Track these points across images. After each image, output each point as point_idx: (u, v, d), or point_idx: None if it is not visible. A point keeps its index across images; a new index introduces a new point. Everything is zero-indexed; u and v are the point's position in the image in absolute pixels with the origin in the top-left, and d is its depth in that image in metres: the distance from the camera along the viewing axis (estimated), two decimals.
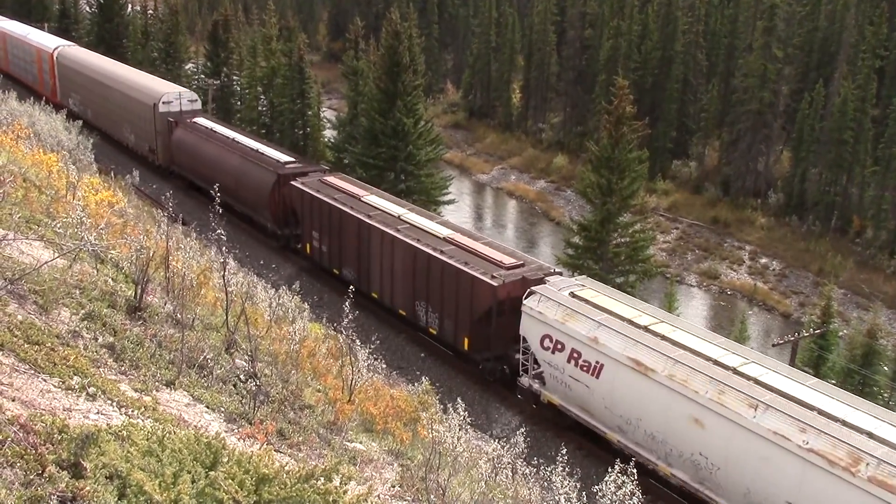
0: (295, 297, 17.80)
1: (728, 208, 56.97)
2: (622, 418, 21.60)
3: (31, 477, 5.32)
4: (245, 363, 11.63)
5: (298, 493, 6.08)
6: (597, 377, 22.06)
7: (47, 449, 5.62)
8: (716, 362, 20.21)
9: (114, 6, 71.94)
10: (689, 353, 20.68)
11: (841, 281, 47.16)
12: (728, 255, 52.71)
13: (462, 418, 10.71)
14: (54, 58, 57.03)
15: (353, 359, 14.48)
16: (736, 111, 59.26)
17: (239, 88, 63.09)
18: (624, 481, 9.36)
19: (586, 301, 23.45)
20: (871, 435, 17.33)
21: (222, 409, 9.54)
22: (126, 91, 48.79)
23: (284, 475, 6.26)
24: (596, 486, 9.56)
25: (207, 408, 9.41)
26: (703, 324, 43.86)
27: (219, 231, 11.83)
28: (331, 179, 35.24)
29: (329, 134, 55.21)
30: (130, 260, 12.50)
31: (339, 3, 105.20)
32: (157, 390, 9.03)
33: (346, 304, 14.56)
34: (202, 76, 67.25)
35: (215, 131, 42.49)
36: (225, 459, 6.29)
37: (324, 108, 62.21)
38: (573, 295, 23.84)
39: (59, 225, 11.97)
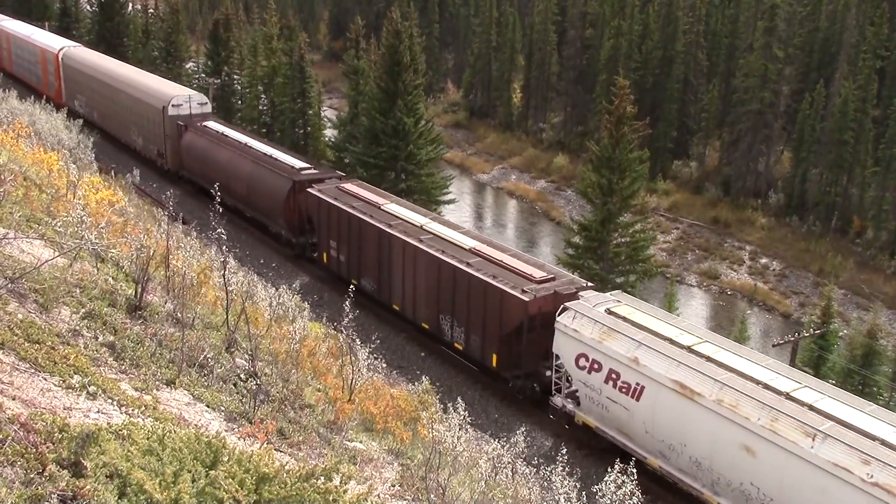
0: (295, 296, 17.80)
1: (728, 208, 56.97)
2: (664, 443, 20.50)
3: (32, 476, 5.33)
4: (245, 362, 11.63)
5: (299, 492, 6.08)
6: (637, 400, 20.92)
7: (48, 448, 5.63)
8: (766, 386, 19.06)
9: (114, 5, 71.91)
10: (737, 375, 19.55)
11: (841, 281, 47.17)
12: (728, 255, 52.72)
13: (462, 418, 10.70)
14: (59, 58, 56.32)
15: (353, 358, 14.48)
16: (736, 111, 59.27)
17: (240, 87, 63.13)
18: (624, 481, 9.36)
19: (623, 318, 22.33)
20: None
21: (222, 409, 9.55)
22: (134, 94, 47.96)
23: (285, 474, 6.26)
24: (596, 486, 9.55)
25: (208, 407, 9.41)
26: (704, 324, 43.87)
27: (219, 230, 11.83)
28: (348, 186, 34.08)
29: (330, 133, 55.23)
30: (131, 259, 12.50)
31: (339, 3, 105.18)
32: (157, 389, 9.03)
33: (347, 303, 14.58)
34: (203, 75, 67.28)
35: (227, 136, 41.55)
36: (225, 458, 6.29)
37: (324, 108, 62.24)
38: (609, 312, 22.75)
39: (59, 224, 11.97)
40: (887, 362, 33.78)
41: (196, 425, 8.19)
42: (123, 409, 7.74)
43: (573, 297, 24.18)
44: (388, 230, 29.60)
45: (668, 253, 53.24)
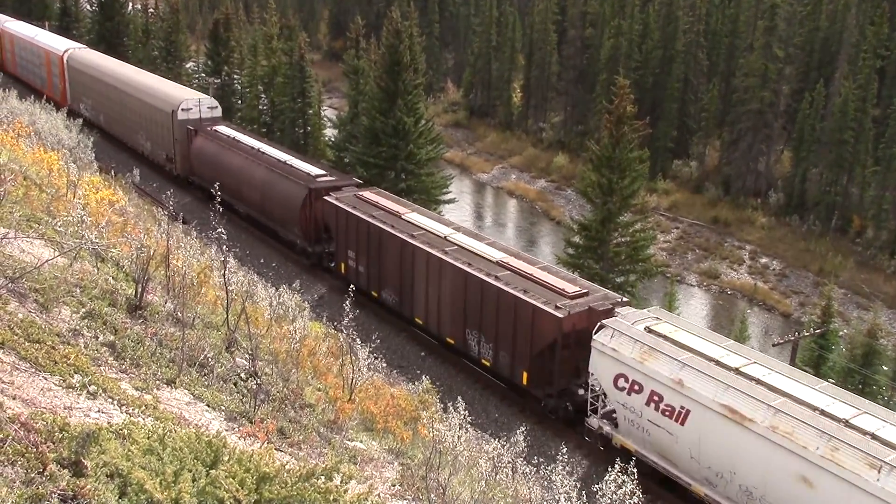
0: (295, 295, 17.81)
1: (728, 208, 56.99)
2: (711, 470, 19.53)
3: (32, 475, 5.33)
4: (246, 362, 11.63)
5: (299, 491, 6.08)
6: (682, 424, 19.92)
7: (48, 447, 5.63)
8: (823, 412, 18.01)
9: (114, 5, 71.88)
10: (791, 400, 18.54)
11: (841, 281, 47.18)
12: (728, 254, 52.73)
13: (462, 417, 10.71)
14: (64, 60, 55.48)
15: (353, 358, 14.49)
16: (737, 111, 59.29)
17: (240, 87, 63.14)
18: (624, 480, 9.36)
19: (664, 337, 21.30)
20: None
21: (223, 408, 9.55)
22: (142, 97, 46.92)
23: (285, 474, 6.27)
24: (596, 485, 9.56)
25: (208, 406, 9.42)
26: (704, 323, 43.88)
27: (219, 230, 11.84)
28: (367, 194, 32.87)
29: (330, 133, 55.23)
30: (131, 258, 12.50)
31: (340, 2, 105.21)
32: (157, 389, 9.03)
33: (347, 303, 14.59)
34: (203, 75, 67.32)
35: (239, 141, 40.43)
36: (226, 458, 6.30)
37: (324, 107, 62.24)
38: (648, 330, 21.73)
39: (59, 223, 11.98)
40: (887, 362, 33.78)
41: (196, 425, 8.19)
42: (124, 408, 7.74)
43: (608, 313, 23.17)
44: (410, 241, 28.48)
45: (668, 252, 53.24)
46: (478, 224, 58.35)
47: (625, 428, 21.67)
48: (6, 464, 5.34)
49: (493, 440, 15.12)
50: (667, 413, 20.25)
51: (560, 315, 23.22)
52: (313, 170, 36.02)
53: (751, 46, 61.99)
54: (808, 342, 32.06)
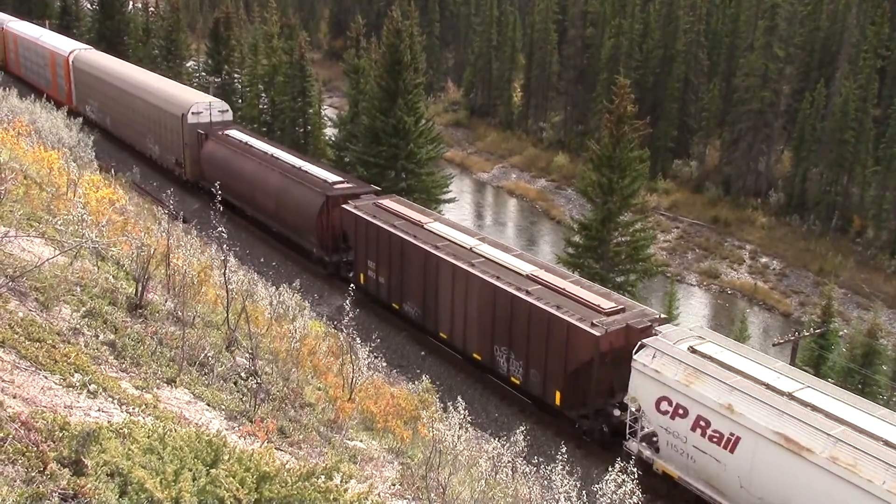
0: (295, 295, 17.82)
1: (729, 208, 56.99)
2: (763, 501, 18.63)
3: (33, 474, 5.33)
4: (246, 361, 11.63)
5: (299, 491, 6.09)
6: (731, 451, 18.99)
7: (48, 446, 5.63)
8: (887, 443, 17.03)
9: (115, 3, 71.96)
10: (852, 429, 17.55)
11: (841, 280, 47.18)
12: (728, 254, 52.73)
13: (462, 417, 10.71)
14: (70, 62, 54.66)
15: (353, 357, 14.49)
16: (737, 110, 59.29)
17: (240, 86, 63.18)
18: (624, 480, 9.36)
19: (710, 358, 20.32)
20: None
21: (223, 407, 9.55)
22: (151, 100, 46.03)
23: (285, 473, 6.27)
24: (596, 485, 9.56)
25: (208, 405, 9.42)
26: (704, 322, 43.91)
27: (219, 229, 11.85)
28: (386, 203, 31.95)
29: (330, 132, 55.25)
30: (131, 257, 12.51)
31: (340, 1, 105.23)
32: (157, 388, 9.03)
33: (347, 302, 14.59)
34: (203, 74, 67.36)
35: (251, 146, 39.54)
36: (226, 457, 6.30)
37: (325, 107, 62.23)
38: (692, 350, 20.76)
39: (59, 222, 11.98)
40: (887, 361, 33.78)
41: (197, 424, 8.19)
42: (124, 407, 7.74)
43: (646, 331, 22.17)
44: (435, 252, 27.47)
45: (669, 252, 53.25)
46: (478, 223, 58.36)
47: (667, 453, 20.70)
48: (7, 462, 5.35)
49: (492, 440, 15.13)
50: (715, 439, 19.35)
51: (597, 333, 22.15)
52: (330, 176, 35.11)
53: (751, 46, 61.99)
54: (808, 342, 32.07)
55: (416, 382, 19.32)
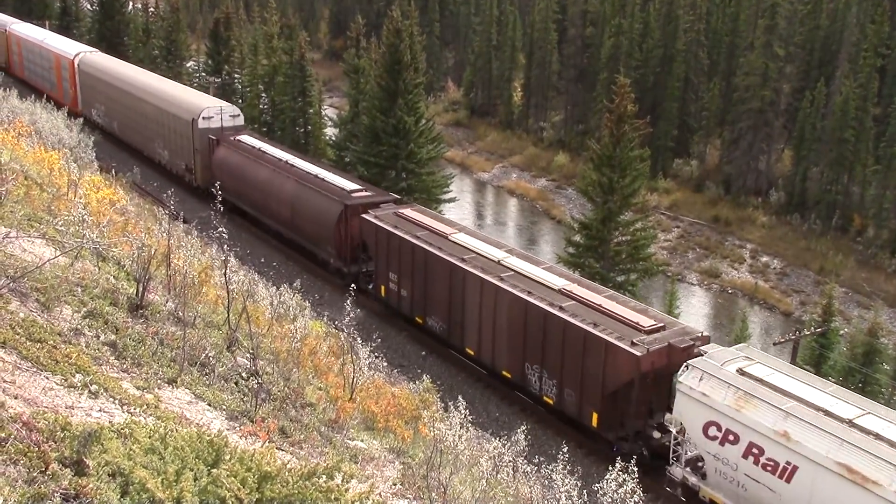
0: (296, 295, 17.83)
1: (729, 207, 56.98)
2: None
3: (35, 474, 5.34)
4: (247, 361, 11.64)
5: (300, 490, 6.09)
6: (787, 481, 18.11)
7: (50, 446, 5.64)
8: None
9: (115, 4, 71.93)
10: None
11: (842, 279, 47.17)
12: (729, 253, 52.73)
13: (463, 416, 10.71)
14: (75, 65, 53.80)
15: (354, 357, 14.50)
16: (737, 110, 59.27)
17: (240, 86, 63.18)
18: (625, 479, 9.37)
19: (761, 381, 19.42)
20: None
21: (224, 407, 9.56)
22: (160, 104, 45.18)
23: (286, 473, 6.28)
24: (597, 485, 9.57)
25: (209, 405, 9.43)
26: (705, 322, 43.92)
27: (220, 229, 11.87)
28: (407, 212, 31.07)
29: (330, 132, 55.26)
30: (132, 258, 12.53)
31: (340, 1, 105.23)
32: (158, 388, 9.04)
33: (348, 302, 14.60)
34: (203, 74, 67.38)
35: (265, 152, 38.56)
36: (227, 457, 6.31)
37: (325, 107, 62.25)
38: (741, 372, 19.83)
39: (60, 223, 11.99)
40: (888, 360, 33.77)
41: (198, 424, 8.20)
42: (125, 407, 7.75)
43: (689, 350, 21.25)
44: (461, 265, 26.55)
45: (669, 251, 53.25)
46: (478, 223, 58.38)
47: (715, 480, 19.81)
48: (8, 463, 5.36)
49: (493, 439, 15.13)
50: (769, 468, 18.41)
51: (638, 353, 21.18)
52: (348, 184, 34.18)
53: (751, 45, 61.96)
54: (809, 341, 32.06)
55: (417, 382, 19.34)
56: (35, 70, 60.61)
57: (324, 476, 6.42)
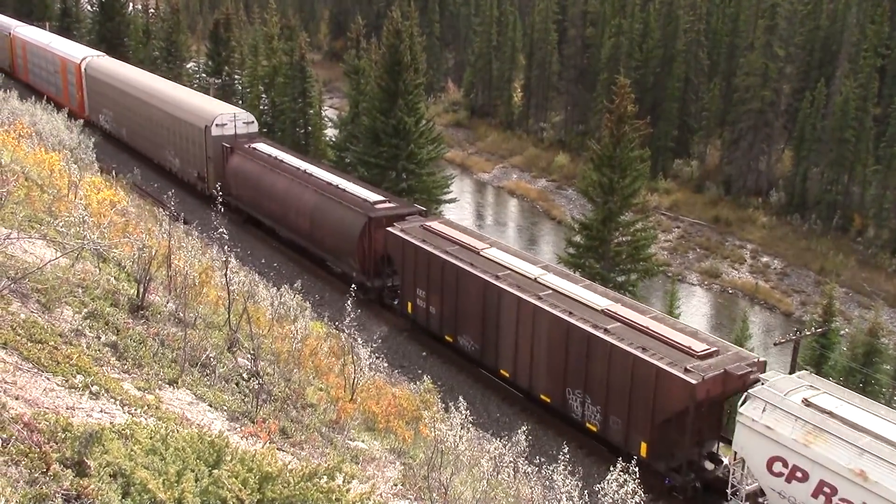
0: (296, 295, 17.83)
1: (729, 207, 57.00)
2: None
3: (36, 475, 5.35)
4: (247, 362, 11.65)
5: (301, 491, 6.10)
6: None
7: (51, 447, 5.64)
8: None
9: (115, 5, 71.94)
10: None
11: (842, 279, 47.17)
12: (729, 253, 52.74)
13: (464, 417, 10.72)
14: (82, 69, 52.49)
15: (355, 357, 14.51)
16: (737, 110, 59.29)
17: (240, 87, 63.22)
18: (626, 480, 9.37)
19: (830, 413, 18.20)
20: None
21: (225, 408, 9.57)
22: (171, 111, 43.95)
23: (287, 473, 6.28)
24: (598, 485, 9.56)
25: (210, 406, 9.43)
26: (705, 322, 43.92)
27: (220, 230, 11.87)
28: (435, 226, 29.75)
29: (330, 133, 55.28)
30: (133, 259, 12.53)
31: (340, 2, 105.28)
32: (159, 389, 9.05)
33: (348, 302, 14.61)
34: (203, 75, 67.41)
35: (282, 161, 37.23)
36: (228, 458, 6.31)
37: (325, 107, 62.26)
38: (807, 403, 18.60)
39: (61, 224, 12.00)
40: (889, 360, 33.75)
41: (199, 425, 8.20)
42: (126, 408, 7.76)
43: (745, 377, 20.15)
44: (495, 283, 25.30)
45: (669, 252, 53.26)
46: (479, 223, 58.40)
47: None
48: (10, 464, 5.36)
49: (494, 440, 15.13)
50: None
51: (693, 381, 19.86)
52: (371, 195, 32.89)
53: (751, 45, 61.99)
54: (810, 341, 32.04)
55: (418, 383, 19.33)
56: (40, 74, 59.52)
57: (325, 477, 6.42)
